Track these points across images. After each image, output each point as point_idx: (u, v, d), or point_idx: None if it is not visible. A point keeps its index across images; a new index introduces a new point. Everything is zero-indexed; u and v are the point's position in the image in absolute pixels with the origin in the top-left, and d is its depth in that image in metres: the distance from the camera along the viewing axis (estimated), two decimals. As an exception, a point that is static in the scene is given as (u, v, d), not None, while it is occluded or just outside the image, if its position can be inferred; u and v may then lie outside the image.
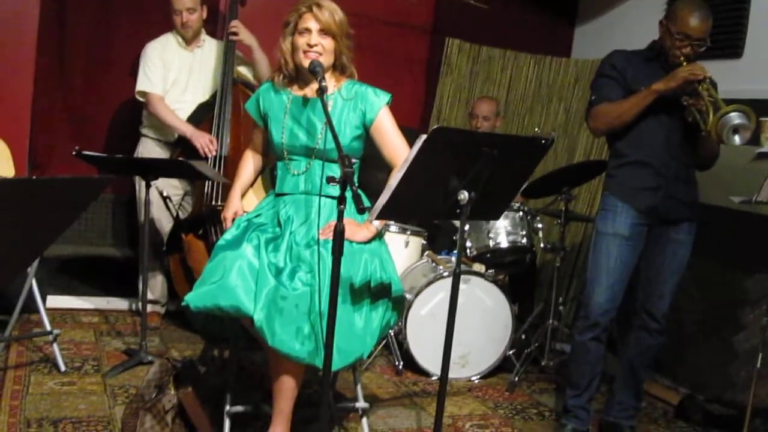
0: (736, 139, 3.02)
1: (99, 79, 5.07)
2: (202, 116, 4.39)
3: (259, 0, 4.77)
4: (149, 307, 4.53)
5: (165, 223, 4.45)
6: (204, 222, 4.24)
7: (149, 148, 4.53)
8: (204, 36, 4.57)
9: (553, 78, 5.76)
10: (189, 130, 4.28)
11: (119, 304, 4.80)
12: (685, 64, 3.19)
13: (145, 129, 4.55)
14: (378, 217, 2.56)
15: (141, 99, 4.43)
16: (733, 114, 3.00)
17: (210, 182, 4.23)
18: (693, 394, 4.06)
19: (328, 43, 2.95)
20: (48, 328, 3.71)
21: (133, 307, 4.77)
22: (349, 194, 2.45)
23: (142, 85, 4.38)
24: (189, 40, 4.49)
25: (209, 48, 4.57)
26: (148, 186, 3.78)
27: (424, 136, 2.38)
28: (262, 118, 3.14)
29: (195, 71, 4.51)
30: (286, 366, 2.84)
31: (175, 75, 4.45)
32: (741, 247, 3.92)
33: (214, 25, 4.85)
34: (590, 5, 6.00)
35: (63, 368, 3.65)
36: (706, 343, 4.06)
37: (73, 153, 3.54)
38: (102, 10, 5.00)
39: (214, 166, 4.23)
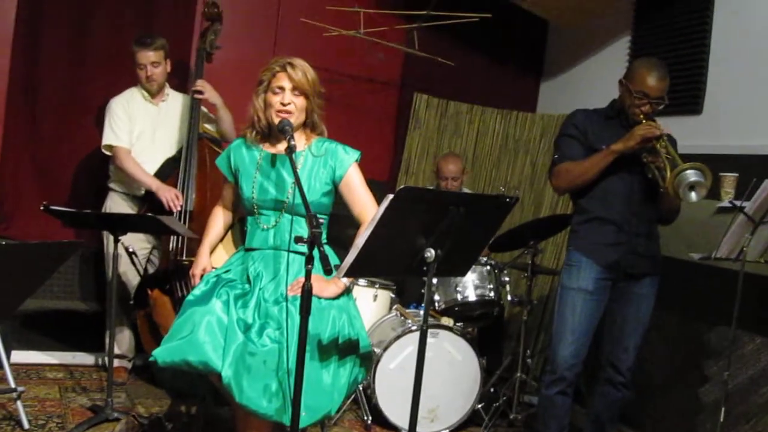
0: (693, 195, 3.09)
1: (69, 131, 5.05)
2: (169, 171, 4.40)
3: (225, 57, 4.83)
4: (116, 362, 4.48)
5: (131, 277, 4.43)
6: (170, 277, 4.22)
7: (117, 202, 4.52)
8: (168, 90, 4.60)
9: (519, 132, 5.87)
10: (155, 184, 4.29)
11: (85, 359, 4.73)
12: (644, 122, 3.28)
13: (112, 183, 4.55)
14: (345, 275, 2.59)
15: (108, 153, 4.44)
16: (689, 171, 3.08)
17: (176, 237, 4.22)
18: (660, 446, 4.09)
19: (300, 102, 3.00)
20: (12, 384, 3.65)
21: (99, 361, 4.71)
22: (316, 254, 2.48)
23: (108, 139, 4.39)
24: (154, 94, 4.52)
25: (174, 101, 4.60)
26: (116, 241, 3.77)
27: (390, 196, 2.42)
28: (232, 174, 3.17)
29: (160, 125, 4.53)
30: (253, 423, 2.84)
31: (141, 128, 4.46)
32: (703, 300, 3.99)
33: (181, 79, 4.89)
34: (555, 61, 6.15)
35: (27, 426, 3.59)
36: (672, 394, 4.10)
37: (41, 208, 3.53)
38: (73, 62, 5.01)
39: (180, 220, 4.23)
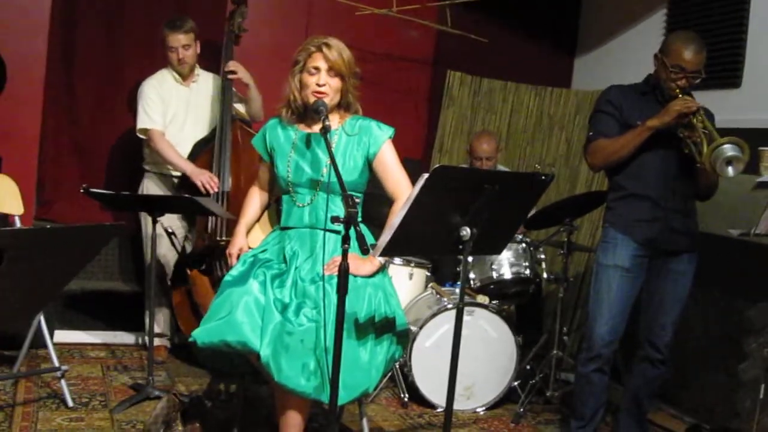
0: (730, 170, 3.05)
1: (106, 115, 5.13)
2: (198, 151, 4.45)
3: (257, 39, 4.84)
4: (156, 341, 4.57)
5: (170, 258, 4.49)
6: (208, 257, 4.27)
7: (152, 184, 4.59)
8: (198, 70, 4.63)
9: (553, 109, 5.82)
10: (189, 168, 4.32)
11: (125, 338, 4.83)
12: (680, 96, 3.24)
13: (147, 165, 4.61)
14: (381, 254, 2.60)
15: (142, 136, 4.49)
16: (726, 146, 3.04)
17: (214, 217, 4.27)
18: (698, 423, 4.06)
19: (335, 82, 3.00)
20: (56, 363, 3.74)
21: (140, 341, 4.79)
22: (352, 233, 2.49)
23: (142, 122, 4.44)
24: (185, 76, 4.56)
25: (205, 82, 4.63)
26: (154, 222, 3.82)
27: (425, 175, 2.42)
28: (268, 153, 3.18)
29: (192, 106, 4.57)
30: (292, 401, 2.87)
31: (173, 111, 4.51)
32: (742, 277, 3.94)
33: (211, 61, 4.92)
34: (590, 36, 6.08)
35: (71, 404, 3.67)
36: (711, 372, 4.07)
37: (81, 191, 3.59)
38: (109, 47, 5.07)
39: (217, 202, 4.27)
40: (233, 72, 4.41)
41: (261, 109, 4.57)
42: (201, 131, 4.54)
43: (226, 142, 4.34)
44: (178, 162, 4.37)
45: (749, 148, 3.06)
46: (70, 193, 4.87)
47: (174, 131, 4.48)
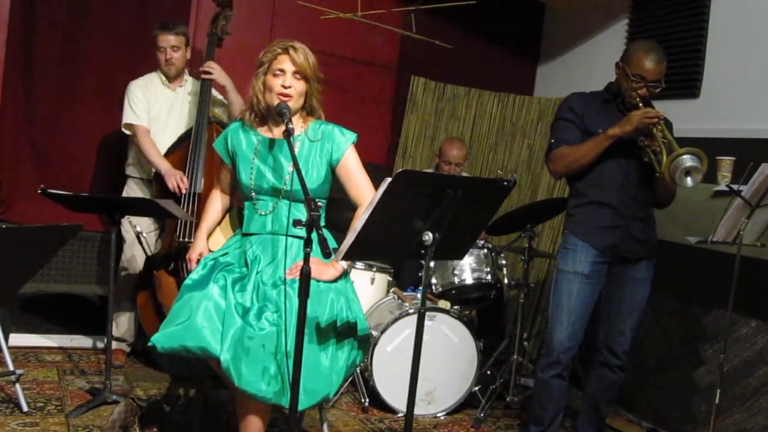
0: (689, 181, 3.10)
1: (65, 115, 5.05)
2: (174, 148, 4.45)
3: (236, 41, 4.82)
4: (114, 345, 4.51)
5: (140, 261, 4.46)
6: (175, 258, 4.24)
7: (134, 189, 4.60)
8: (187, 76, 4.65)
9: (516, 115, 5.86)
10: (164, 167, 4.31)
11: (83, 341, 4.76)
12: (641, 105, 3.28)
13: (130, 169, 4.62)
14: (344, 258, 2.60)
15: (127, 132, 4.49)
16: (685, 157, 3.08)
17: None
18: (656, 428, 4.12)
19: (300, 85, 3.00)
20: (11, 367, 3.67)
21: (97, 345, 4.73)
22: (315, 237, 2.49)
23: (127, 118, 4.45)
24: (172, 79, 4.57)
25: (191, 88, 4.64)
26: (115, 223, 3.79)
27: (388, 179, 2.43)
28: (230, 157, 3.16)
29: (175, 110, 4.58)
30: (252, 406, 2.85)
31: (156, 112, 4.52)
32: (699, 284, 4.00)
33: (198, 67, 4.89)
34: (552, 44, 6.14)
35: (25, 408, 3.60)
36: (668, 377, 4.12)
37: (39, 191, 3.54)
38: (69, 44, 4.99)
39: (187, 203, 4.24)
40: (208, 72, 4.40)
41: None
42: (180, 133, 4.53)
43: (201, 143, 4.32)
44: (155, 159, 4.37)
45: (707, 157, 3.10)
46: (27, 193, 4.78)
47: (154, 132, 4.49)
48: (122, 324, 4.56)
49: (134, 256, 4.48)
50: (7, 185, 4.90)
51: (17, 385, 3.64)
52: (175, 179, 4.25)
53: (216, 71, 4.42)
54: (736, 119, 4.38)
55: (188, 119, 4.57)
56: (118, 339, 4.53)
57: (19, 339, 4.58)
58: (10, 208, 4.89)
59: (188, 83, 4.65)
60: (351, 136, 3.09)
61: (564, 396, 3.52)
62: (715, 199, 3.91)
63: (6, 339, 3.85)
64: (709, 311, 3.93)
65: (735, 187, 3.24)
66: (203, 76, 4.41)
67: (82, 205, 3.94)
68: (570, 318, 3.40)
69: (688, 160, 3.07)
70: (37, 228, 2.32)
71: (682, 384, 4.02)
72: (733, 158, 3.96)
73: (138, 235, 4.21)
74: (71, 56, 5.01)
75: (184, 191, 4.25)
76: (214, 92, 4.55)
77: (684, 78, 4.70)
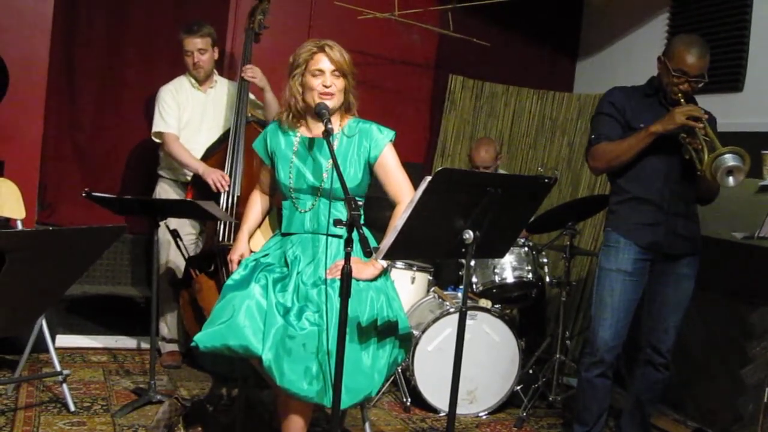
0: (730, 180, 3.03)
1: (108, 119, 5.14)
2: (212, 150, 4.45)
3: (273, 44, 4.84)
4: (170, 347, 4.56)
5: (180, 263, 4.48)
6: (215, 260, 4.27)
7: (166, 189, 4.62)
8: (216, 77, 4.65)
9: (555, 112, 5.82)
10: (201, 167, 4.32)
11: (127, 342, 4.82)
12: (683, 101, 3.23)
13: (161, 170, 4.63)
14: (384, 258, 2.60)
15: (157, 140, 4.51)
16: (727, 156, 3.02)
17: (222, 221, 4.26)
18: (701, 427, 4.05)
19: (340, 83, 3.00)
20: (58, 368, 3.73)
21: (141, 345, 4.78)
22: (355, 236, 2.49)
23: (157, 126, 4.46)
24: (201, 81, 4.57)
25: (222, 88, 4.64)
26: (156, 225, 3.82)
27: (428, 178, 2.42)
28: (269, 157, 3.18)
29: (208, 111, 4.58)
30: (294, 405, 2.87)
31: (189, 116, 4.52)
32: (745, 280, 3.93)
33: (227, 68, 4.92)
34: (591, 40, 6.08)
35: (72, 408, 3.66)
36: (714, 376, 4.05)
37: (83, 194, 3.60)
38: (111, 52, 5.08)
39: (228, 204, 4.26)
40: (252, 77, 4.40)
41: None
42: (216, 137, 4.54)
43: (240, 144, 4.32)
44: (190, 162, 4.38)
45: (751, 152, 3.04)
46: (72, 196, 4.87)
47: (188, 136, 4.50)
48: (171, 324, 4.59)
49: (174, 259, 4.51)
50: (52, 190, 4.99)
51: (64, 385, 3.70)
52: (216, 176, 4.27)
53: (258, 75, 4.43)
54: (782, 113, 4.30)
55: (221, 121, 4.58)
56: (171, 341, 4.58)
57: (65, 340, 4.67)
58: (55, 211, 4.97)
59: (218, 84, 4.64)
60: (389, 134, 3.08)
61: (608, 395, 3.48)
62: (761, 194, 3.84)
63: (53, 340, 3.93)
64: (755, 308, 3.86)
65: (781, 181, 3.17)
66: (245, 77, 4.40)
67: (125, 208, 3.99)
68: (613, 316, 3.36)
69: (730, 159, 3.01)
70: (82, 230, 2.35)
71: (728, 383, 3.95)
72: (779, 152, 3.89)
73: (173, 233, 4.20)
74: (112, 62, 5.10)
75: (227, 187, 4.25)
76: (251, 94, 4.54)
77: (727, 71, 4.62)
